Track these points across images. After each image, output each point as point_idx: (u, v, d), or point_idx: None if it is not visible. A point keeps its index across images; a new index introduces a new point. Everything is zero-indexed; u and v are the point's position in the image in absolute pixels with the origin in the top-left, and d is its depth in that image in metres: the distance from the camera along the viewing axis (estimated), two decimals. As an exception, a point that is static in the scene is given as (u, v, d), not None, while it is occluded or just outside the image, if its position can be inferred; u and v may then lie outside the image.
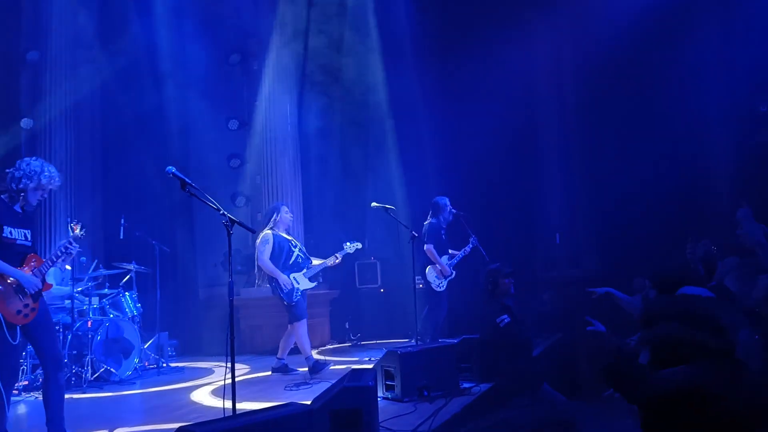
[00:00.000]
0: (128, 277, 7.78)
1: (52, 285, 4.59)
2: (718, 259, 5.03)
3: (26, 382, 6.60)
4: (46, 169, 4.24)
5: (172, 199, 9.43)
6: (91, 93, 9.53)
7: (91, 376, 6.71)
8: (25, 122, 8.57)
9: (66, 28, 8.88)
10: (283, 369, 6.98)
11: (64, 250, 4.29)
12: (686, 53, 9.04)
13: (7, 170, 4.23)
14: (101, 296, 7.56)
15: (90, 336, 6.77)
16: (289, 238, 7.02)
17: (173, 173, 3.95)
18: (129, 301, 7.56)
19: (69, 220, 4.56)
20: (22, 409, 5.88)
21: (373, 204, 6.90)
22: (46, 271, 4.24)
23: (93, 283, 7.45)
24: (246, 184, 10.22)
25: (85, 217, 8.88)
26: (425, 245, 7.32)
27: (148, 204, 9.40)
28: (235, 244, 9.88)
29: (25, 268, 4.12)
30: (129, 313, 7.49)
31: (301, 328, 6.77)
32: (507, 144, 9.69)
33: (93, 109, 9.65)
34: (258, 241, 6.88)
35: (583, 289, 9.26)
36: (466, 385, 5.48)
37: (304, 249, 7.11)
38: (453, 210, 7.63)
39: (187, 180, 3.91)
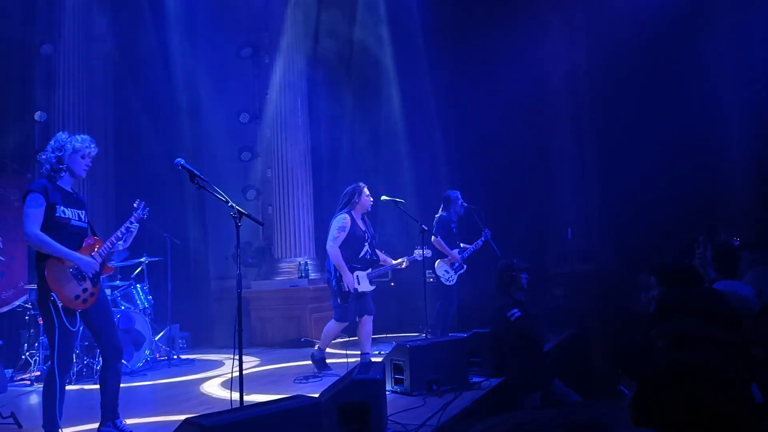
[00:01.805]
0: (140, 269, 7.81)
1: (113, 268, 4.53)
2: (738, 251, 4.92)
3: (38, 373, 6.66)
4: (76, 137, 4.16)
5: (184, 192, 9.45)
6: (104, 85, 9.60)
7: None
8: (39, 115, 8.61)
9: (79, 21, 8.94)
10: (368, 362, 5.98)
11: (125, 231, 4.23)
12: (703, 45, 8.93)
13: (39, 155, 4.17)
14: (113, 288, 7.59)
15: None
16: (364, 227, 6.24)
17: (182, 165, 3.95)
18: (140, 293, 7.59)
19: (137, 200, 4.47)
20: (34, 399, 5.93)
21: (383, 197, 6.83)
22: (105, 254, 4.17)
23: (105, 275, 7.47)
24: (257, 177, 10.23)
25: (98, 209, 8.96)
26: (433, 237, 7.18)
27: (160, 196, 9.41)
28: (246, 236, 9.90)
29: (84, 251, 4.06)
30: (140, 305, 7.53)
31: (336, 327, 6.23)
32: (520, 137, 9.62)
33: (106, 102, 9.72)
34: (334, 224, 6.11)
35: (595, 285, 9.22)
36: (475, 379, 5.44)
37: (375, 243, 6.33)
38: (464, 203, 7.59)
39: (195, 172, 3.90)
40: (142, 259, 7.70)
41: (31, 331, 7.07)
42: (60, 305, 3.86)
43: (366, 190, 6.25)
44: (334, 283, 6.09)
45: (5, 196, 7.78)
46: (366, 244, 6.15)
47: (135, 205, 4.40)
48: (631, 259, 8.70)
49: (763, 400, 2.17)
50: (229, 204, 3.88)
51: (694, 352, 2.06)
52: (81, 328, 6.71)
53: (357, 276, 6.09)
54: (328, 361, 6.43)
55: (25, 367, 6.95)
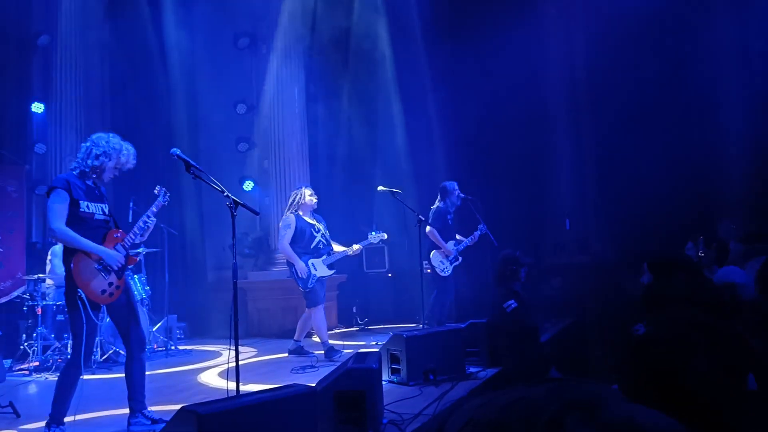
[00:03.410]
0: (137, 259, 7.80)
1: (136, 259, 4.58)
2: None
3: (37, 363, 6.68)
4: (124, 147, 4.21)
5: (181, 182, 9.43)
6: (101, 75, 9.57)
7: (101, 358, 6.77)
8: (37, 106, 8.59)
9: (76, 10, 8.91)
10: (298, 351, 6.99)
11: (143, 225, 4.27)
12: (702, 36, 8.91)
13: (83, 144, 4.18)
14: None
15: (99, 318, 6.81)
16: (312, 222, 6.93)
17: (177, 155, 3.97)
18: (138, 283, 7.59)
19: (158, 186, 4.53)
20: (33, 389, 5.95)
21: (380, 188, 6.87)
22: (129, 245, 4.22)
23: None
24: (254, 168, 10.23)
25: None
26: (428, 228, 7.26)
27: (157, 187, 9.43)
28: (243, 227, 9.90)
29: (107, 244, 4.09)
30: (138, 296, 7.52)
31: (317, 313, 6.79)
32: (517, 127, 9.60)
33: (102, 92, 9.70)
34: (280, 223, 6.90)
35: (592, 275, 9.23)
36: (472, 369, 5.47)
37: (327, 235, 7.01)
38: (461, 194, 7.58)
39: (191, 162, 3.92)
40: (139, 250, 7.70)
41: (30, 321, 7.08)
42: (87, 301, 3.89)
43: (307, 192, 6.88)
44: (293, 274, 6.77)
45: (2, 187, 7.77)
46: (317, 235, 6.83)
47: (156, 191, 4.45)
48: (629, 250, 8.71)
49: (757, 387, 2.18)
50: (225, 194, 3.89)
51: (685, 339, 2.07)
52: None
53: (312, 263, 6.74)
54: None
55: (24, 357, 6.96)
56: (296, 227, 6.76)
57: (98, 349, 6.73)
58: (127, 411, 4.31)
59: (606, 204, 9.86)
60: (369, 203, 10.23)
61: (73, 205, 3.96)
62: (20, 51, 8.65)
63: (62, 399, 3.91)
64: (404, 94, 10.38)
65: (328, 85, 10.42)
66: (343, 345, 6.45)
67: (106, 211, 4.18)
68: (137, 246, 4.51)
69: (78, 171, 4.12)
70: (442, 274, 7.39)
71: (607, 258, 9.43)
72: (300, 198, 6.87)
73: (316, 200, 7.01)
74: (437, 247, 7.38)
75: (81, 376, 3.98)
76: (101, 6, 9.37)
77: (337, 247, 7.02)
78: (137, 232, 4.25)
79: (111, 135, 4.23)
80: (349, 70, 10.63)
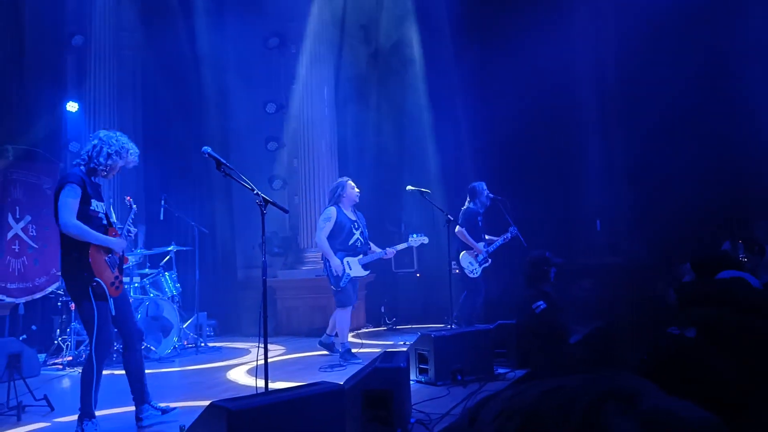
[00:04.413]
0: (168, 257, 7.91)
1: (128, 259, 4.69)
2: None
3: (70, 358, 6.81)
4: (131, 146, 4.30)
5: (212, 182, 9.55)
6: (133, 75, 9.73)
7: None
8: (71, 105, 8.76)
9: (109, 12, 9.06)
10: (329, 346, 6.92)
11: (126, 234, 4.37)
12: (735, 32, 8.70)
13: (91, 142, 4.22)
14: (142, 276, 7.71)
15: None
16: (353, 218, 6.62)
17: (209, 153, 4.00)
18: (169, 281, 7.69)
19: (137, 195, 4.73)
20: (66, 383, 6.06)
21: (409, 187, 6.83)
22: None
23: (135, 263, 7.60)
24: (283, 167, 10.28)
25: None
26: (457, 228, 7.17)
27: (188, 185, 9.56)
28: (272, 226, 9.97)
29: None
30: (169, 293, 7.63)
31: (344, 314, 6.59)
32: (546, 126, 9.50)
33: (135, 91, 9.84)
34: (321, 216, 6.62)
35: (625, 277, 9.08)
36: (501, 370, 5.43)
37: (366, 232, 6.72)
38: (490, 195, 7.52)
39: (221, 160, 3.95)
40: (170, 248, 7.80)
41: (63, 316, 7.23)
42: (102, 291, 3.96)
43: (350, 183, 6.60)
44: (326, 271, 6.50)
45: (38, 184, 7.94)
46: (356, 232, 6.53)
47: (128, 198, 4.68)
48: (662, 251, 8.55)
49: None
50: (255, 192, 3.92)
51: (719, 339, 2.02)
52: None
53: (348, 261, 6.47)
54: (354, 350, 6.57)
55: (58, 351, 7.11)
56: (335, 221, 6.46)
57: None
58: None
59: (638, 205, 9.69)
60: (398, 203, 10.22)
61: (84, 202, 4.04)
62: (55, 51, 8.81)
63: (86, 393, 3.97)
64: (433, 94, 10.34)
65: (357, 85, 10.44)
66: (371, 344, 6.41)
67: (106, 209, 4.30)
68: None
69: (86, 168, 4.17)
70: (471, 275, 7.33)
71: (639, 259, 9.28)
72: (342, 190, 6.57)
73: (358, 193, 6.70)
74: (467, 248, 7.33)
75: (101, 371, 4.04)
76: (135, 8, 9.51)
77: (374, 248, 6.75)
78: (124, 235, 4.35)
79: (119, 134, 4.31)
80: (378, 70, 10.64)
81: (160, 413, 4.25)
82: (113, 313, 4.07)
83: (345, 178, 6.75)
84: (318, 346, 7.04)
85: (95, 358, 3.95)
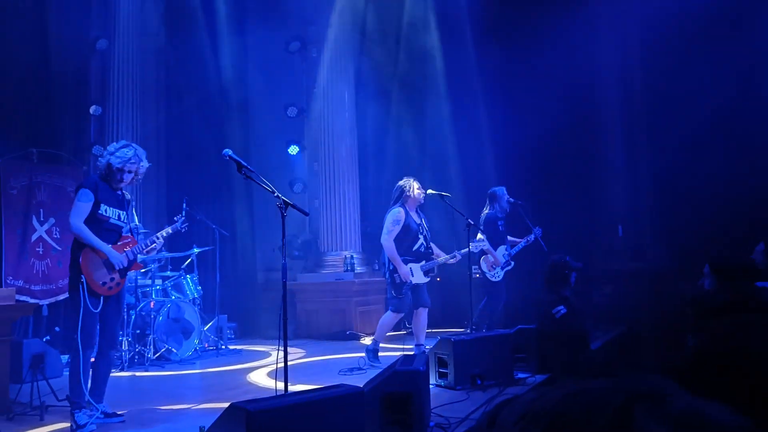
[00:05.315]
0: (189, 260, 7.97)
1: (142, 265, 4.83)
2: None
3: (93, 359, 6.86)
4: (136, 157, 4.46)
5: (232, 185, 9.61)
6: (156, 80, 9.82)
7: (153, 355, 6.91)
8: (94, 108, 8.86)
9: (133, 16, 9.15)
10: (417, 354, 6.36)
11: (149, 242, 4.60)
12: (763, 36, 8.57)
13: (104, 153, 4.50)
14: (164, 278, 7.77)
15: (152, 316, 6.98)
16: (419, 220, 6.29)
17: (230, 156, 4.03)
18: (190, 283, 7.75)
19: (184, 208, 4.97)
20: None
21: (429, 191, 6.79)
22: (136, 253, 4.53)
23: (156, 265, 7.67)
24: (304, 171, 10.32)
25: (150, 201, 9.18)
26: (479, 234, 7.06)
27: (209, 188, 9.62)
28: (292, 229, 9.95)
29: (118, 247, 4.38)
30: (190, 296, 7.68)
31: (391, 318, 6.30)
32: (568, 130, 9.42)
33: (158, 96, 9.93)
34: (388, 218, 6.18)
35: (646, 282, 8.96)
36: (521, 375, 5.39)
37: (429, 235, 6.34)
38: (510, 199, 7.46)
39: (242, 162, 3.97)
40: (193, 251, 7.85)
41: (86, 318, 7.28)
42: (86, 288, 4.16)
43: (415, 184, 6.30)
44: (388, 275, 6.21)
45: (62, 187, 8.04)
46: (420, 237, 6.21)
47: (176, 218, 4.86)
48: (685, 257, 8.42)
49: None
50: (275, 194, 3.93)
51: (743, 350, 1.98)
52: (134, 316, 6.96)
53: (411, 268, 6.13)
54: (380, 354, 6.45)
55: (80, 352, 7.17)
56: (404, 224, 6.10)
57: (151, 347, 6.89)
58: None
59: (661, 210, 9.58)
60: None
61: (95, 206, 4.29)
62: (79, 55, 8.93)
63: (75, 381, 4.17)
64: (454, 97, 10.31)
65: (378, 88, 10.44)
66: (390, 348, 6.35)
67: (122, 217, 4.47)
68: (152, 251, 4.82)
69: (98, 175, 4.47)
70: (493, 279, 7.29)
71: (661, 265, 9.16)
72: (409, 190, 6.20)
73: (424, 194, 6.36)
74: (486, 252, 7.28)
75: (87, 361, 4.20)
76: (158, 13, 9.62)
77: (437, 252, 6.38)
78: (142, 247, 4.57)
79: (126, 149, 4.46)
80: (398, 74, 10.63)
81: (103, 416, 4.36)
82: (95, 310, 4.23)
83: (410, 178, 6.38)
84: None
85: (81, 347, 4.14)
